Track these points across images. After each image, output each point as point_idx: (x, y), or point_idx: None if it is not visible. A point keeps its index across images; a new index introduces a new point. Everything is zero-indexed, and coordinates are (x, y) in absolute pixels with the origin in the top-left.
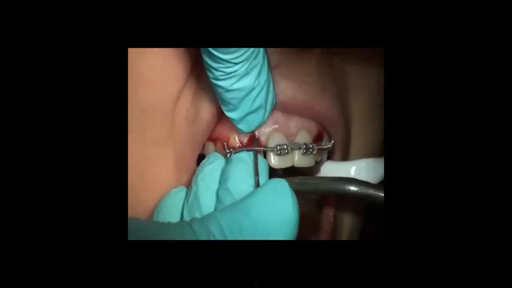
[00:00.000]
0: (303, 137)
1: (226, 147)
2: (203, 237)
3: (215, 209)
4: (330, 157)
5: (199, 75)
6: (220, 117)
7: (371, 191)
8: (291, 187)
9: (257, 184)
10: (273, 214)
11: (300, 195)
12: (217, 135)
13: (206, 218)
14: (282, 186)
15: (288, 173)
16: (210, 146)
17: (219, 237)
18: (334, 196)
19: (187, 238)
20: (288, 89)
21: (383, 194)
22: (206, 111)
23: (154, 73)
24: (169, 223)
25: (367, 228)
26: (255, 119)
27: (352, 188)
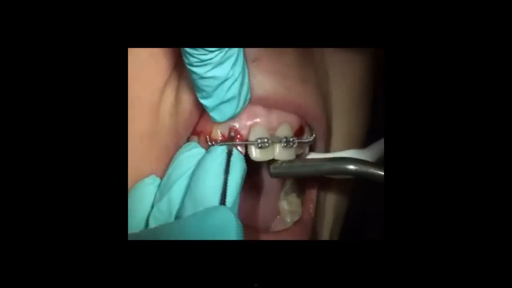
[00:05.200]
0: (284, 131)
1: (208, 140)
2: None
3: (184, 195)
4: (312, 149)
5: (182, 68)
6: (203, 111)
7: (371, 170)
8: (238, 219)
9: (225, 183)
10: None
11: (301, 178)
12: (200, 129)
13: (154, 232)
14: (228, 219)
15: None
16: (194, 139)
17: None
18: (316, 189)
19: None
20: (267, 83)
21: (382, 173)
22: (188, 102)
23: (140, 67)
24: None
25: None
26: (228, 109)
27: (352, 167)
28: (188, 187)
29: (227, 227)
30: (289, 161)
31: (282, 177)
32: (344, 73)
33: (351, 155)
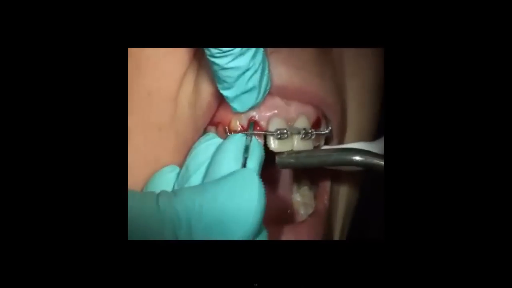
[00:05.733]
0: (302, 123)
1: (227, 131)
2: (166, 211)
3: (202, 181)
4: (327, 142)
5: (201, 58)
6: (221, 101)
7: (376, 161)
8: (260, 179)
9: (244, 164)
10: (238, 204)
11: (309, 168)
12: (218, 119)
13: (175, 192)
14: (251, 177)
15: None
16: (212, 130)
17: (182, 214)
18: (329, 180)
19: (148, 211)
20: (285, 74)
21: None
22: (207, 93)
23: (160, 56)
24: (136, 192)
25: (361, 221)
26: (249, 99)
27: (358, 158)
28: (207, 172)
29: (249, 185)
30: (296, 152)
31: (288, 167)
32: (359, 68)
33: (363, 147)
